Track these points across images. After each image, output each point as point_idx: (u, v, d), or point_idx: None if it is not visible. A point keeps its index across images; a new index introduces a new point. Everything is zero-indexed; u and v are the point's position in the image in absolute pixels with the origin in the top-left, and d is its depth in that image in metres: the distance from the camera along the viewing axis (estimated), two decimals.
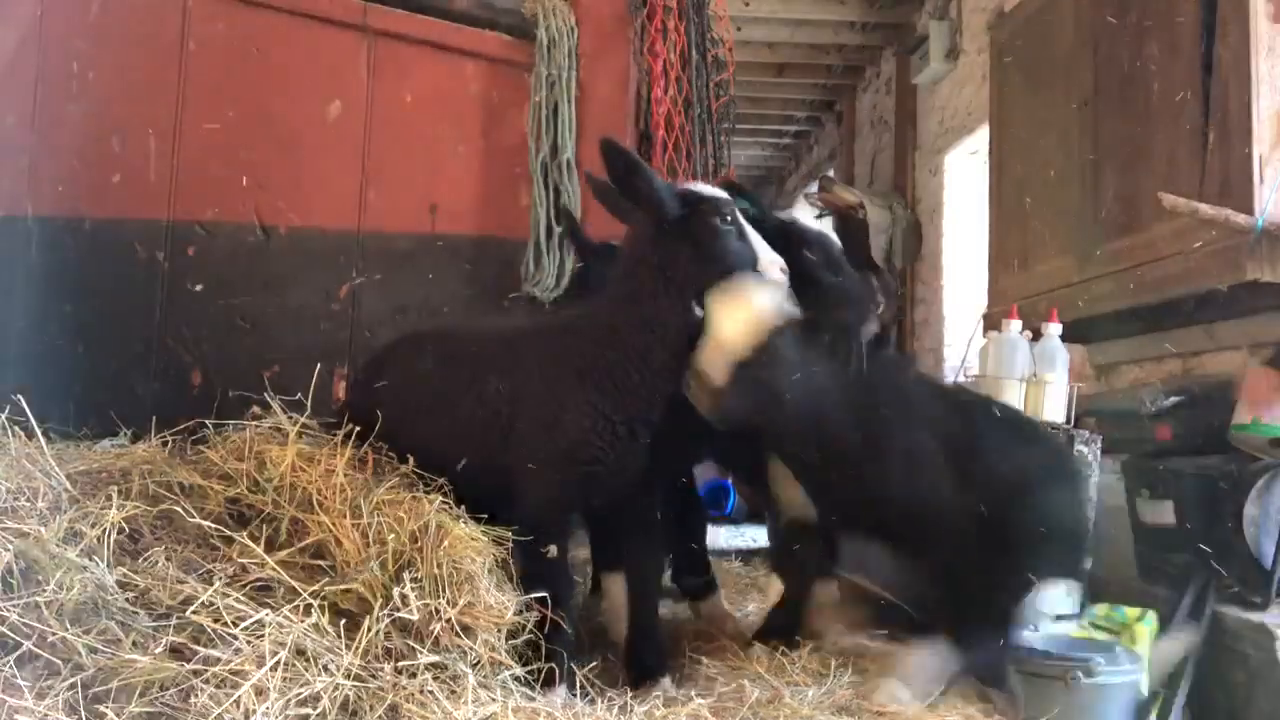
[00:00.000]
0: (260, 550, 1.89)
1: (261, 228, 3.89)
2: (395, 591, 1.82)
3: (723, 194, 2.40)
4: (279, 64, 3.91)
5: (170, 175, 3.90)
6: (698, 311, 2.25)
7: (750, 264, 2.31)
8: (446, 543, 1.93)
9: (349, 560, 1.89)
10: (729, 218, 2.31)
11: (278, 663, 1.66)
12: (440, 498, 2.13)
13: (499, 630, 1.90)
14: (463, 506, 2.18)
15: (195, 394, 3.81)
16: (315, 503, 2.00)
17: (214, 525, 1.99)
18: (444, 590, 1.87)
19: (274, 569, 1.84)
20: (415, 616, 1.80)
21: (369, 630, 1.76)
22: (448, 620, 1.83)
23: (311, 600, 1.78)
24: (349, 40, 3.91)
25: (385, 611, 1.79)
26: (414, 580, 1.86)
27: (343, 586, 1.82)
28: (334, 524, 1.93)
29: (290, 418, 2.27)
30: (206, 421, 2.48)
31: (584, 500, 2.35)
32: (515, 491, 2.26)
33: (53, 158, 3.87)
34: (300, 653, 1.70)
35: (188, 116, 3.90)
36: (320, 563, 1.92)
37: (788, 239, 2.63)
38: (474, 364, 2.45)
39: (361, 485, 2.10)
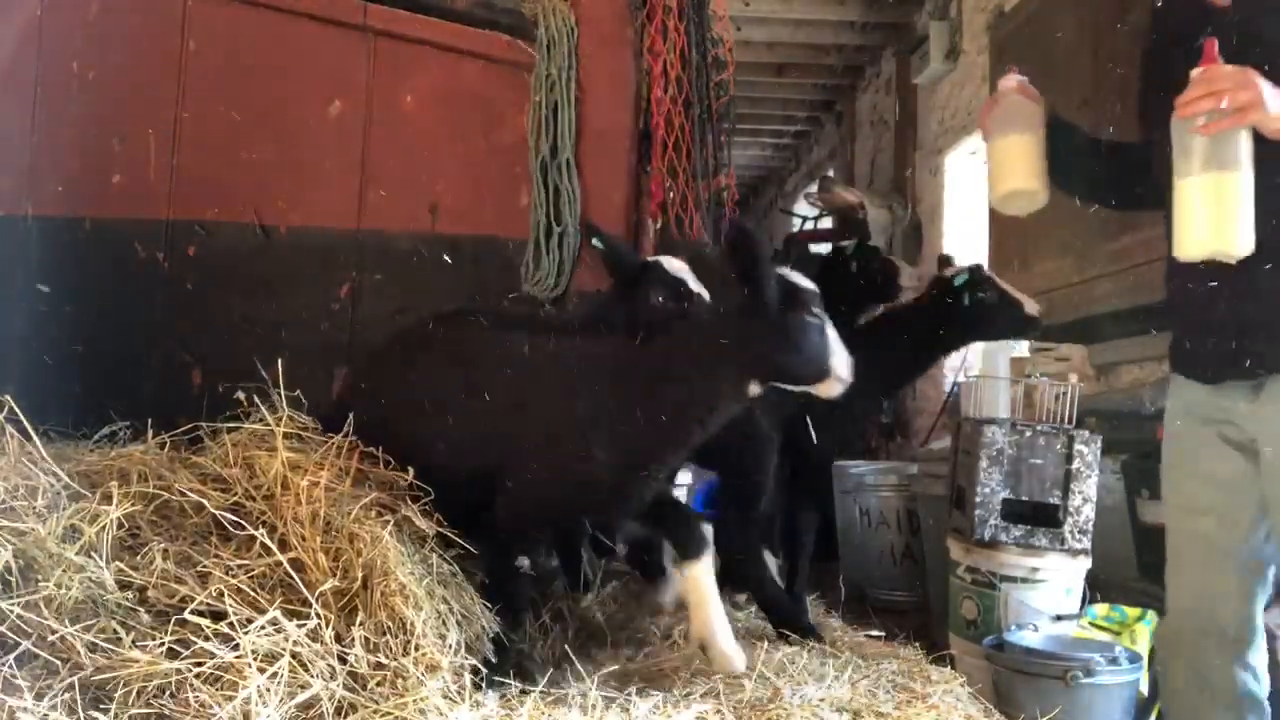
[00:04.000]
0: (271, 544, 1.88)
1: (261, 228, 3.88)
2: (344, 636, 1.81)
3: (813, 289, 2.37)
4: (279, 64, 3.91)
5: (170, 175, 3.90)
6: (754, 390, 2.27)
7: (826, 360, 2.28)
8: (380, 594, 1.91)
9: (313, 582, 1.87)
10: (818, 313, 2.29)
11: (280, 666, 1.65)
12: (392, 528, 2.09)
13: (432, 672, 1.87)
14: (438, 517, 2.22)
15: (195, 394, 3.82)
16: (293, 517, 1.98)
17: (219, 514, 1.98)
18: (386, 633, 1.85)
19: (248, 584, 1.83)
20: (362, 668, 1.78)
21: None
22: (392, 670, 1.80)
23: (277, 615, 1.76)
24: (349, 40, 3.91)
25: (328, 664, 1.76)
26: (360, 624, 1.84)
27: (300, 625, 1.79)
28: (304, 539, 1.92)
29: (279, 418, 2.25)
30: (203, 424, 2.48)
31: (560, 523, 2.34)
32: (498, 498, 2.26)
33: (53, 158, 3.87)
34: (295, 655, 1.70)
35: (188, 116, 3.90)
36: (298, 577, 1.90)
37: (641, 278, 2.76)
38: (491, 359, 2.42)
39: (338, 498, 2.08)
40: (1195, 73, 1.97)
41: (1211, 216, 1.97)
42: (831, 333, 2.31)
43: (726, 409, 2.29)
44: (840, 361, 2.29)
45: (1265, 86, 1.94)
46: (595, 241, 2.94)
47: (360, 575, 1.90)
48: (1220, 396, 2.20)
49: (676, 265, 2.78)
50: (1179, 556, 2.34)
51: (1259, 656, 2.27)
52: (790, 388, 2.34)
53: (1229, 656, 2.24)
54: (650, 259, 2.96)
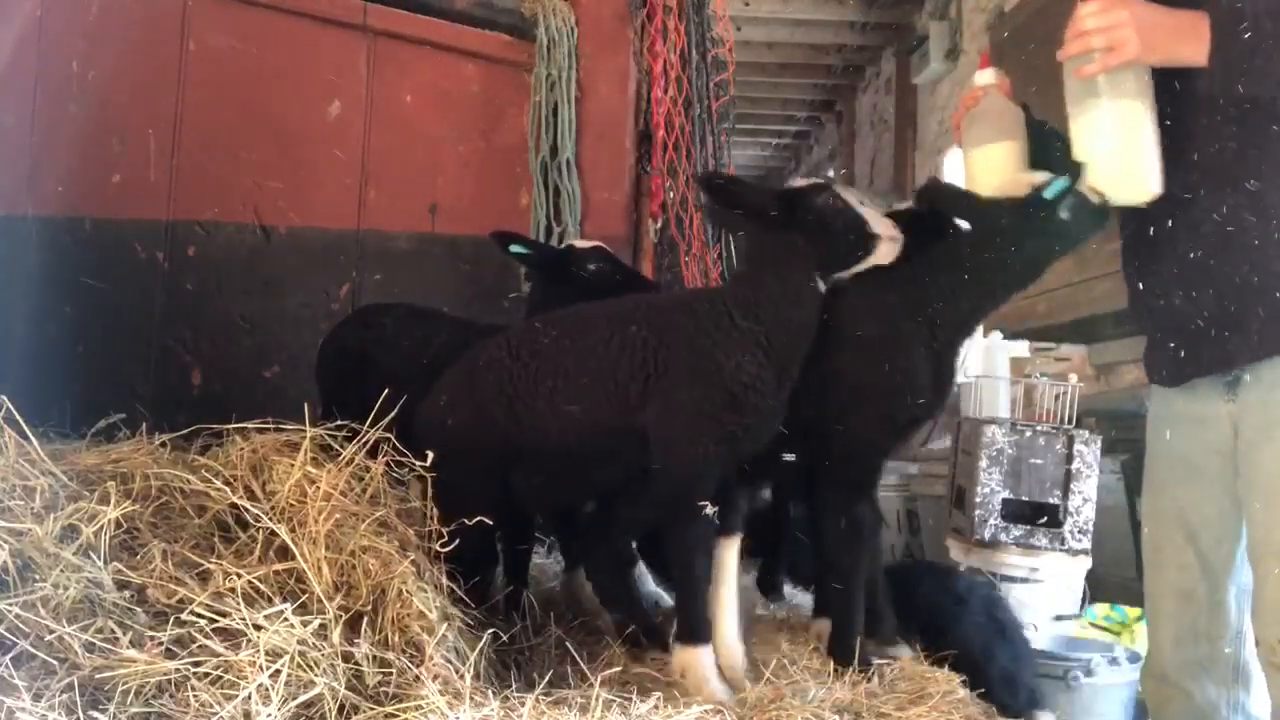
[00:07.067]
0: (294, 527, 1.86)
1: (261, 228, 3.89)
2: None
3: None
4: (279, 64, 3.91)
5: (170, 175, 3.90)
6: (820, 286, 2.23)
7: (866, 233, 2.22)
8: (393, 613, 1.89)
9: (321, 594, 1.86)
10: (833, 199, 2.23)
11: (281, 666, 1.65)
12: (413, 556, 2.06)
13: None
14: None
15: (195, 394, 3.82)
16: (299, 523, 1.96)
17: (229, 505, 1.97)
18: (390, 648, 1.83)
19: (254, 581, 1.82)
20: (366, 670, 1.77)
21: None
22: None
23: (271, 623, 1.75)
24: (349, 40, 3.91)
25: (328, 682, 1.75)
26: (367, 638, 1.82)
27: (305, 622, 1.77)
28: (308, 551, 1.90)
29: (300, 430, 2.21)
30: (211, 426, 2.46)
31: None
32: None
33: (53, 158, 3.88)
34: (301, 654, 1.70)
35: (188, 116, 3.90)
36: (300, 585, 1.88)
37: (567, 262, 2.83)
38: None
39: (353, 504, 2.06)
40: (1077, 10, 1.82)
41: (1092, 159, 1.96)
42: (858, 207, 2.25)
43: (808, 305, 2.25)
44: (878, 222, 2.21)
45: (1141, 17, 1.78)
46: (514, 247, 2.88)
47: (370, 597, 1.88)
48: (1193, 400, 2.00)
49: (585, 242, 2.91)
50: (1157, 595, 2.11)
51: (1256, 701, 2.01)
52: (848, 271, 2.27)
53: (1223, 691, 2.01)
54: (563, 246, 3.05)
